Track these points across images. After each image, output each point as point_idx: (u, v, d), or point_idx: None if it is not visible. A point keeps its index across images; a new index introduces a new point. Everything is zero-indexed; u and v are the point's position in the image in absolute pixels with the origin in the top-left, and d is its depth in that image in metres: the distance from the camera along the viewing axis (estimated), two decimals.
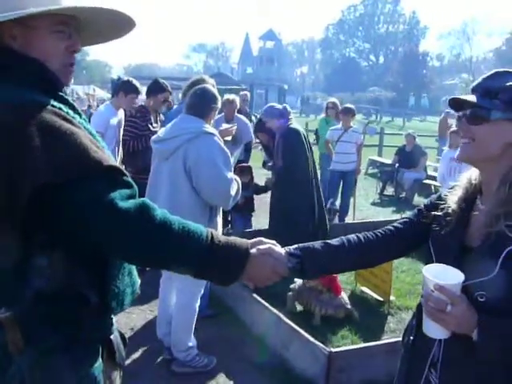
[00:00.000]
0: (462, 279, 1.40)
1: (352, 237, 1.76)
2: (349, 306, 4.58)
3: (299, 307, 4.74)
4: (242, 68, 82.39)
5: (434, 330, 1.47)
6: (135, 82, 5.53)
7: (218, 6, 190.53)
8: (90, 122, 1.88)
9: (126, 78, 5.66)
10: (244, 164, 6.21)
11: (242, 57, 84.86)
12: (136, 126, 5.51)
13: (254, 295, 4.34)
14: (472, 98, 1.50)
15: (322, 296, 4.50)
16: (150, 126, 5.59)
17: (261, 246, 1.62)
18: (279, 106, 5.95)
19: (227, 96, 6.45)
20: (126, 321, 4.16)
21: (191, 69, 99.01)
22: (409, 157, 10.85)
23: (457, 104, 1.56)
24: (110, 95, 25.02)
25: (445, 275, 1.42)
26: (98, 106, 19.04)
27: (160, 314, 3.90)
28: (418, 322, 1.63)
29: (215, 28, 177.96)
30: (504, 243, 1.40)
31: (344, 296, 4.65)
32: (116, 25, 1.61)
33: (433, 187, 10.97)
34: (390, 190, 11.22)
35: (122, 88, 5.41)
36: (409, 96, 58.70)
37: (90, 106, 19.46)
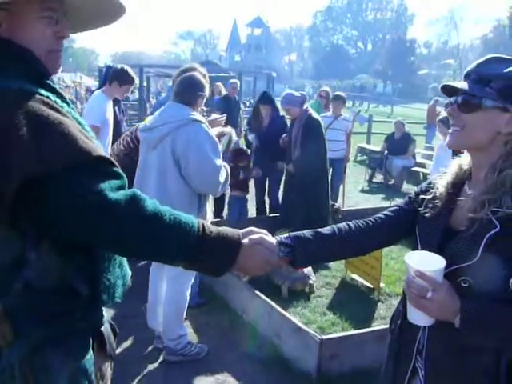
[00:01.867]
0: (443, 265, 1.40)
1: (343, 225, 1.76)
2: (310, 280, 4.75)
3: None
4: (229, 55, 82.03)
5: (417, 316, 1.47)
6: (130, 71, 5.28)
7: None
8: (81, 114, 1.83)
9: (119, 67, 5.32)
10: (241, 147, 6.20)
11: (230, 44, 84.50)
12: None
13: (245, 282, 4.35)
14: (464, 85, 1.48)
15: (282, 270, 4.50)
16: None
17: (252, 236, 1.60)
18: (298, 94, 5.97)
19: None
20: (116, 310, 4.13)
21: (179, 56, 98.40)
22: (397, 144, 10.90)
23: (448, 90, 1.55)
24: (96, 83, 24.78)
25: (427, 262, 1.42)
26: (86, 93, 18.87)
27: (150, 302, 3.88)
28: (404, 308, 1.63)
29: (203, 15, 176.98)
30: (487, 228, 1.40)
31: (306, 270, 4.73)
32: (105, 11, 1.57)
33: (421, 174, 11.02)
34: (378, 178, 11.25)
35: (117, 77, 5.15)
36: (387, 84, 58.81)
37: (77, 97, 19.15)
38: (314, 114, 5.94)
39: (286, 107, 5.94)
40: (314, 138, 5.72)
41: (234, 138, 4.75)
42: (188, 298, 3.73)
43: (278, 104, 6.69)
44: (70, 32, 1.53)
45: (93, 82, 28.86)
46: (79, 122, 1.45)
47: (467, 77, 1.51)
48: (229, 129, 4.51)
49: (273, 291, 4.60)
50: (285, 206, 6.35)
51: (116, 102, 5.65)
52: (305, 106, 5.92)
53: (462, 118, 1.49)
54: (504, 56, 1.50)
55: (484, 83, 1.45)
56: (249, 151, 6.36)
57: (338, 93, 8.36)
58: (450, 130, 1.55)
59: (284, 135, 6.33)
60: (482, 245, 1.39)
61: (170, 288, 3.71)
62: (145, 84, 18.29)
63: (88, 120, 4.76)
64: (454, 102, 1.51)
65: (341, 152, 7.77)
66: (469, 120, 1.47)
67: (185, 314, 3.72)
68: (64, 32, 1.49)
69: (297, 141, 5.88)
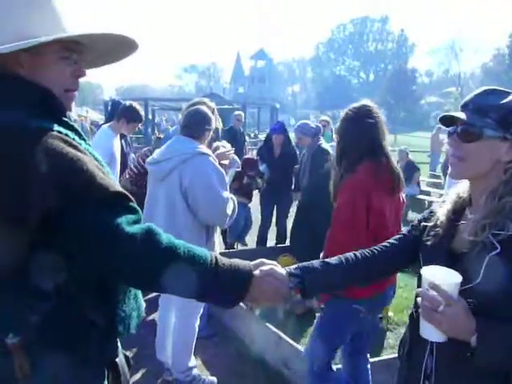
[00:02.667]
0: (459, 281, 1.41)
1: (349, 255, 1.81)
2: (311, 304, 4.71)
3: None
4: (233, 88, 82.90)
5: (429, 331, 1.46)
6: (139, 108, 5.31)
7: (209, 26, 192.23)
8: None
9: (128, 104, 5.33)
10: (250, 157, 6.23)
11: (234, 76, 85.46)
12: None
13: (253, 313, 4.35)
14: (463, 115, 1.53)
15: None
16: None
17: (263, 267, 1.64)
18: (313, 125, 6.08)
19: None
20: (126, 342, 4.13)
21: (183, 89, 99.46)
22: (402, 173, 10.90)
23: (448, 120, 1.60)
24: (102, 117, 25.06)
25: (443, 276, 1.43)
26: (92, 127, 19.01)
27: (159, 334, 3.89)
28: (411, 333, 1.65)
29: (206, 48, 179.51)
30: (488, 250, 1.44)
31: None
32: (119, 47, 1.63)
33: (426, 202, 11.03)
34: None
35: (125, 115, 5.16)
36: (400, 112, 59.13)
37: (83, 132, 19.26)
38: (325, 145, 6.00)
39: (299, 136, 6.04)
40: (322, 167, 5.77)
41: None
42: (197, 330, 3.73)
43: (291, 135, 6.79)
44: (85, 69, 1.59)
45: (98, 116, 29.14)
46: (96, 159, 1.50)
47: (465, 107, 1.56)
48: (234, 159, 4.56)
49: (268, 313, 4.60)
50: (292, 236, 6.38)
51: (122, 135, 5.72)
52: (317, 137, 6.00)
53: (462, 148, 1.53)
54: (499, 88, 1.56)
55: (483, 114, 1.50)
56: (259, 181, 6.41)
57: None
58: (451, 161, 1.59)
59: (296, 166, 6.41)
60: (484, 266, 1.42)
61: (179, 320, 3.72)
62: (150, 117, 18.50)
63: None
64: (454, 132, 1.56)
65: None
66: (470, 149, 1.52)
67: (194, 345, 3.72)
68: (82, 71, 1.56)
69: (305, 170, 5.95)
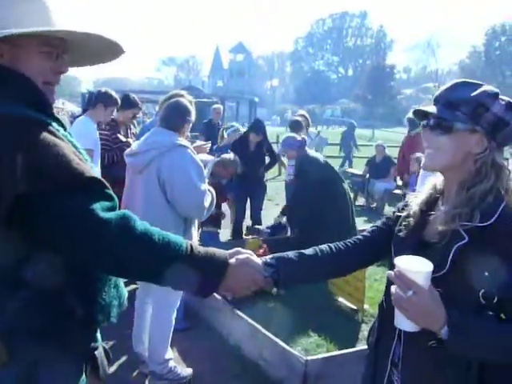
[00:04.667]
0: (428, 270, 1.40)
1: (324, 247, 1.83)
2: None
3: None
4: (212, 81, 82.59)
5: (400, 320, 1.46)
6: (114, 93, 5.37)
7: (188, 19, 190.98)
8: None
9: (103, 90, 5.39)
10: (220, 182, 6.10)
11: (213, 70, 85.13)
12: (107, 139, 5.47)
13: (229, 305, 4.37)
14: (434, 109, 1.57)
15: None
16: (120, 137, 5.57)
17: (239, 256, 1.65)
18: (299, 138, 6.13)
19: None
20: (102, 334, 4.12)
21: (162, 82, 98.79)
22: (379, 167, 11.05)
23: (420, 114, 1.64)
24: (79, 109, 24.68)
25: (416, 265, 1.43)
26: (71, 120, 18.75)
27: (136, 326, 3.88)
28: (380, 321, 1.68)
29: (185, 41, 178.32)
30: (456, 240, 1.47)
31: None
32: (103, 49, 1.64)
33: (403, 197, 11.15)
34: (361, 201, 11.37)
35: (101, 100, 5.20)
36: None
37: None
38: (311, 154, 6.06)
39: (285, 150, 6.15)
40: (306, 177, 5.82)
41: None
42: (173, 322, 3.74)
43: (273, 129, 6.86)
44: (69, 66, 1.60)
45: (75, 108, 28.75)
46: (74, 145, 1.51)
47: (436, 101, 1.59)
48: (210, 157, 4.57)
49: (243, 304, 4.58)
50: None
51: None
52: (302, 149, 6.04)
53: (435, 140, 1.57)
54: (469, 80, 1.59)
55: (453, 107, 1.53)
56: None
57: (296, 117, 8.24)
58: (425, 153, 1.63)
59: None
60: (451, 256, 1.45)
61: (156, 312, 3.72)
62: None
63: (82, 145, 4.81)
64: (427, 125, 1.60)
65: None
66: (441, 142, 1.55)
67: (170, 338, 3.73)
68: (62, 68, 1.57)
69: (292, 181, 6.09)
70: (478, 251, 1.42)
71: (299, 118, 8.31)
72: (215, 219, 5.97)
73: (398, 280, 1.41)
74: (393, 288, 1.45)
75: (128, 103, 5.77)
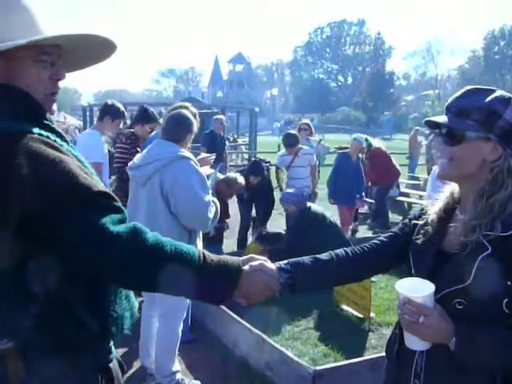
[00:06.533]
0: (432, 291, 1.44)
1: (340, 251, 1.80)
2: None
3: None
4: (212, 92, 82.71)
5: (413, 342, 1.50)
6: (121, 106, 5.38)
7: (186, 30, 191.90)
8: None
9: (110, 102, 5.41)
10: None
11: (212, 81, 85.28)
12: (127, 153, 5.47)
13: (235, 316, 4.35)
14: (445, 119, 1.55)
15: None
16: (139, 151, 5.57)
17: (253, 263, 1.65)
18: (296, 192, 6.28)
19: None
20: None
21: (161, 94, 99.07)
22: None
23: (432, 124, 1.61)
24: (80, 122, 24.77)
25: (416, 288, 1.46)
26: (74, 131, 18.85)
27: (142, 339, 3.87)
28: (400, 331, 1.67)
29: (184, 52, 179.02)
30: (479, 251, 1.45)
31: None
32: (96, 50, 1.62)
33: (406, 204, 11.14)
34: (364, 208, 11.33)
35: (108, 113, 5.22)
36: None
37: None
38: (314, 208, 6.18)
39: (284, 206, 6.28)
40: (296, 229, 5.97)
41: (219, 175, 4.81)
42: (180, 334, 3.73)
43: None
44: (65, 72, 1.58)
45: (77, 121, 28.85)
46: (79, 160, 1.50)
47: (448, 110, 1.57)
48: (211, 171, 4.55)
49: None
50: None
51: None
52: (301, 203, 6.12)
53: (448, 150, 1.55)
54: (480, 87, 1.57)
55: (465, 116, 1.51)
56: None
57: (291, 131, 8.18)
58: (439, 163, 1.61)
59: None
60: (475, 267, 1.43)
61: (162, 325, 3.71)
62: (128, 122, 18.36)
63: (90, 158, 4.81)
64: (439, 135, 1.58)
65: (306, 189, 7.11)
66: (455, 152, 1.53)
67: (177, 350, 3.72)
68: (60, 74, 1.54)
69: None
70: (501, 261, 1.42)
71: (293, 132, 8.08)
72: (217, 237, 5.89)
73: (407, 308, 1.44)
74: (399, 314, 1.48)
75: (146, 117, 5.76)
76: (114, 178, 5.92)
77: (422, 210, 1.78)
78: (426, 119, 1.63)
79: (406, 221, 1.83)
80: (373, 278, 5.36)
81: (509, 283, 1.40)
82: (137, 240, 1.40)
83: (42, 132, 1.42)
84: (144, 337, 3.86)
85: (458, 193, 1.67)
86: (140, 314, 3.86)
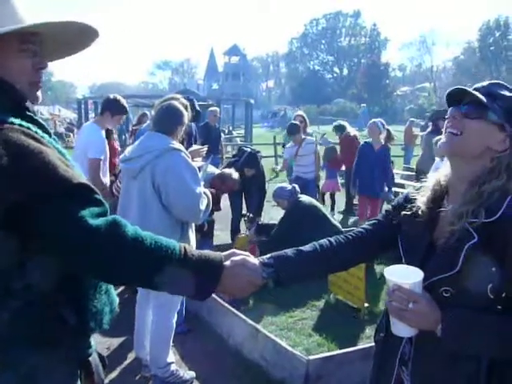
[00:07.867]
0: (421, 278, 1.47)
1: (324, 241, 1.80)
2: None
3: None
4: (207, 84, 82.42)
5: (400, 329, 1.52)
6: (122, 100, 5.28)
7: (182, 22, 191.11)
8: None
9: (112, 97, 5.29)
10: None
11: (208, 73, 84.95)
12: None
13: (229, 307, 4.37)
14: (476, 93, 1.55)
15: None
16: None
17: (234, 258, 1.63)
18: (289, 187, 6.28)
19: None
20: (102, 340, 4.12)
21: (156, 86, 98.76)
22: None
23: (456, 95, 1.60)
24: (75, 115, 24.77)
25: (406, 275, 1.48)
26: (67, 125, 18.80)
27: (137, 331, 3.88)
28: (388, 319, 1.69)
29: (179, 45, 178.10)
30: (466, 239, 1.47)
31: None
32: (79, 37, 1.60)
33: (400, 194, 11.13)
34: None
35: (109, 108, 5.14)
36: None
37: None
38: (305, 199, 6.19)
39: (277, 201, 6.30)
40: (289, 220, 5.97)
41: (210, 170, 4.75)
42: (174, 326, 3.74)
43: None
44: (48, 61, 1.56)
45: (72, 114, 28.77)
46: (60, 152, 1.48)
47: (476, 90, 1.57)
48: (202, 163, 4.52)
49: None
50: None
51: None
52: (293, 197, 6.16)
53: (463, 123, 1.55)
54: (503, 83, 1.60)
55: (492, 98, 1.53)
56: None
57: (293, 121, 8.62)
58: (445, 135, 1.59)
59: None
60: (462, 255, 1.45)
61: (157, 317, 3.72)
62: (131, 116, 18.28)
63: (90, 153, 4.79)
64: (460, 109, 1.57)
65: (311, 174, 8.33)
66: (470, 125, 1.54)
67: (171, 341, 3.73)
68: (43, 63, 1.52)
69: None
70: (486, 248, 1.44)
71: (296, 121, 8.69)
72: (207, 230, 5.87)
73: (396, 294, 1.45)
74: (387, 301, 1.50)
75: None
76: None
77: (406, 197, 1.78)
78: (455, 87, 1.61)
79: (390, 208, 1.84)
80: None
81: (493, 269, 1.42)
82: (116, 233, 1.38)
83: (23, 123, 1.39)
84: (139, 328, 3.87)
85: (445, 180, 1.67)
86: (134, 305, 3.87)
